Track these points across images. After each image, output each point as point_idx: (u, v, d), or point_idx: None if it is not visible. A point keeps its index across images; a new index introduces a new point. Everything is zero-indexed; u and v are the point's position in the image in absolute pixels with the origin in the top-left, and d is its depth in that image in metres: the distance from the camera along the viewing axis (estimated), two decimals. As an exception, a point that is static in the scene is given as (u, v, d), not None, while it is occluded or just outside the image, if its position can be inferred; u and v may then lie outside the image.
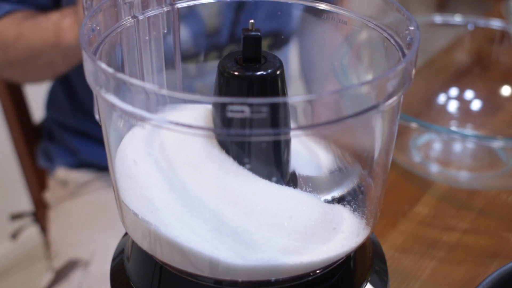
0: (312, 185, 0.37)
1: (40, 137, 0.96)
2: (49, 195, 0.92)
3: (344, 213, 0.37)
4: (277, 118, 0.32)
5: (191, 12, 0.69)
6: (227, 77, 0.35)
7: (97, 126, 0.86)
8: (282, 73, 0.36)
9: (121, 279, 0.40)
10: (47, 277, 0.81)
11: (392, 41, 0.38)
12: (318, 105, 0.30)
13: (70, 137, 0.89)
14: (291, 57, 0.81)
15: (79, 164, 0.89)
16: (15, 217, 1.00)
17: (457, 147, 0.72)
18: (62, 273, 0.79)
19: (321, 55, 0.65)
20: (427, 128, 0.61)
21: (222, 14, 0.70)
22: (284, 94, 0.37)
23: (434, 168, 0.68)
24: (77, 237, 0.82)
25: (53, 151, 0.91)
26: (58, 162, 0.90)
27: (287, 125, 0.34)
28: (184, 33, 0.68)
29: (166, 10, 0.41)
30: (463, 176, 0.68)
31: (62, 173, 0.89)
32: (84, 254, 0.78)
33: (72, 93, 0.88)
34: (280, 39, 0.74)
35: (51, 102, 0.93)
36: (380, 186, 0.39)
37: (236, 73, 0.35)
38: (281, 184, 0.36)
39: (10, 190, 1.48)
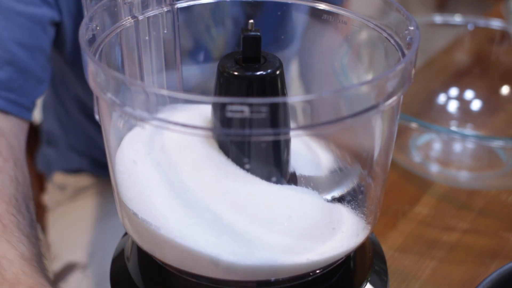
0: (312, 185, 0.37)
1: (40, 138, 0.96)
2: (48, 199, 0.92)
3: (344, 213, 0.37)
4: (277, 118, 0.32)
5: (198, 47, 0.68)
6: (227, 77, 0.35)
7: (92, 144, 0.86)
8: (282, 73, 0.36)
9: (121, 279, 0.40)
10: (45, 280, 0.81)
11: (392, 41, 0.38)
12: (318, 105, 0.30)
13: (66, 148, 0.90)
14: (291, 58, 0.81)
15: (76, 169, 0.89)
16: (15, 217, 1.00)
17: (457, 147, 0.72)
18: (60, 276, 0.79)
19: (321, 55, 0.65)
20: (427, 128, 0.61)
21: (228, 45, 0.69)
22: (283, 94, 0.37)
23: (434, 168, 0.68)
24: (75, 240, 0.82)
25: (51, 156, 0.91)
26: (56, 167, 0.91)
27: (286, 125, 0.34)
28: (194, 68, 0.67)
29: (166, 10, 0.41)
30: (463, 176, 0.68)
31: (60, 177, 0.90)
32: (82, 257, 0.78)
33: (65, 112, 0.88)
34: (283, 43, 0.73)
35: (46, 115, 0.93)
36: (380, 186, 0.39)
37: (235, 73, 0.35)
38: (281, 184, 0.36)
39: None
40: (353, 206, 0.38)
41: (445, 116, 0.79)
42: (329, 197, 0.37)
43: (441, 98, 0.81)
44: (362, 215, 0.38)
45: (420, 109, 0.78)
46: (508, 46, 0.81)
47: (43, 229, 0.97)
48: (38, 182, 0.98)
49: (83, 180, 0.88)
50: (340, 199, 0.38)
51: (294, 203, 0.35)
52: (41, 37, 0.60)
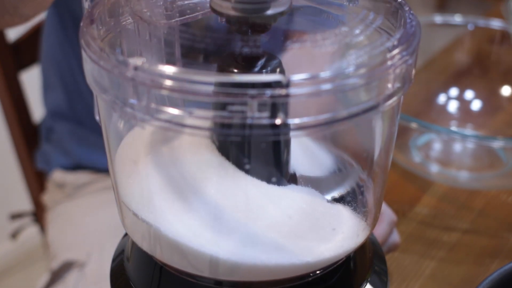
0: (312, 186, 0.37)
1: (39, 138, 0.96)
2: (47, 198, 0.92)
3: (344, 213, 0.37)
4: (277, 117, 0.32)
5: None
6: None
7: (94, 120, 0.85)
8: (282, 72, 0.36)
9: (121, 279, 0.40)
10: (43, 278, 0.81)
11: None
12: (318, 104, 0.30)
13: (66, 135, 0.89)
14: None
15: (75, 166, 0.89)
16: (15, 216, 1.00)
17: (457, 147, 0.72)
18: (57, 275, 0.79)
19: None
20: (427, 128, 0.61)
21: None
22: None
23: (434, 168, 0.68)
24: (73, 238, 0.82)
25: (50, 153, 0.91)
26: (55, 164, 0.90)
27: (287, 125, 0.34)
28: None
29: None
30: (463, 176, 0.68)
31: (59, 175, 0.89)
32: (79, 256, 0.78)
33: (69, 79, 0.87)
34: None
35: (48, 90, 0.93)
36: (380, 186, 0.39)
37: (235, 72, 0.35)
38: (281, 184, 0.36)
39: (10, 190, 1.48)
40: (353, 207, 0.38)
41: (445, 116, 0.79)
42: (329, 197, 0.37)
43: (441, 98, 0.81)
44: (362, 216, 0.38)
45: (420, 109, 0.78)
46: (508, 46, 0.81)
47: (43, 228, 0.97)
48: (38, 181, 0.98)
49: (82, 177, 0.88)
50: (340, 200, 0.38)
51: (294, 204, 0.35)
52: None
